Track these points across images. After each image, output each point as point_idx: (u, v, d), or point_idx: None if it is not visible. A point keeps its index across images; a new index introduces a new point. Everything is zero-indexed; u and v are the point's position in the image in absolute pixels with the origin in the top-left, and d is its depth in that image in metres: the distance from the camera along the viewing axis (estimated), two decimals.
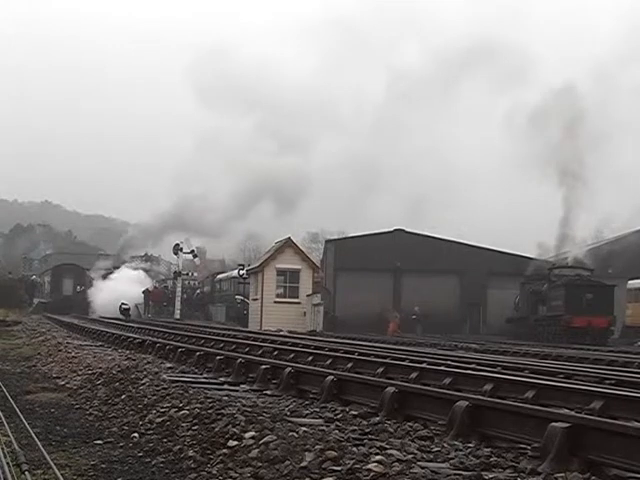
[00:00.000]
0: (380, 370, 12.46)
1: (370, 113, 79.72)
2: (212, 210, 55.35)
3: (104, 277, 58.70)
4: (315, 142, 57.99)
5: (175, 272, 58.53)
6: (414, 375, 11.66)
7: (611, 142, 49.20)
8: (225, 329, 34.54)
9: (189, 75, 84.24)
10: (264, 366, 11.61)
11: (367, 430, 7.27)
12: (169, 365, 13.85)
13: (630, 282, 45.57)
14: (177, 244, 57.07)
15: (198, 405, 8.29)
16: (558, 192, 47.99)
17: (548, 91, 50.27)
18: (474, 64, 59.75)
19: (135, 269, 60.50)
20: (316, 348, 18.48)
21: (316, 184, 54.11)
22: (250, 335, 26.67)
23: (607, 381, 12.01)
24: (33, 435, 7.38)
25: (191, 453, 6.70)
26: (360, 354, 16.35)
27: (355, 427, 7.42)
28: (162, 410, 8.47)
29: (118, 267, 61.07)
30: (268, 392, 10.54)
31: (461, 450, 6.47)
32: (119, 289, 53.97)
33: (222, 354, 14.13)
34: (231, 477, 5.89)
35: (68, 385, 12.13)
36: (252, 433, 6.66)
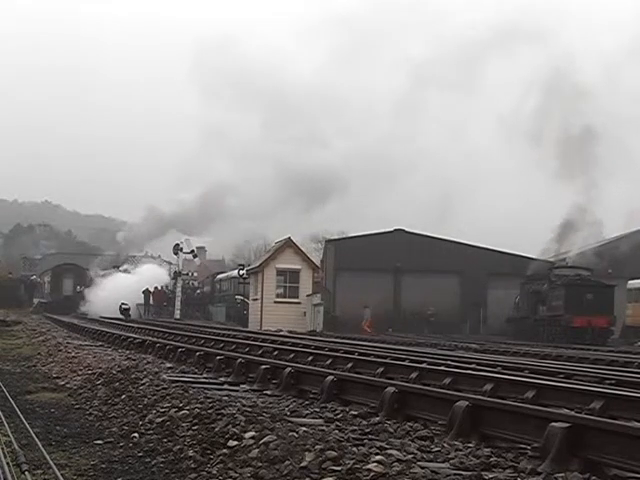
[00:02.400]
0: (380, 370, 12.46)
1: (376, 111, 79.53)
2: (231, 206, 55.19)
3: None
4: (323, 140, 57.53)
5: (175, 272, 58.45)
6: (414, 375, 11.66)
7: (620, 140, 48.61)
8: (225, 329, 34.51)
9: (193, 71, 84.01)
10: (264, 366, 11.61)
11: (367, 430, 7.27)
12: (169, 365, 13.86)
13: (630, 282, 45.57)
14: (177, 244, 56.90)
15: (198, 405, 8.29)
16: (560, 191, 47.95)
17: (554, 84, 50.06)
18: (474, 63, 59.57)
19: (159, 265, 60.84)
20: (316, 348, 18.48)
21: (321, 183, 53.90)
22: (250, 335, 26.66)
23: (607, 381, 12.01)
24: (33, 435, 7.38)
25: (191, 453, 6.70)
26: (360, 354, 16.35)
27: (355, 427, 7.42)
28: (162, 410, 8.47)
29: (118, 266, 61.04)
30: (268, 392, 10.55)
31: (461, 450, 6.47)
32: (119, 289, 53.88)
33: (222, 354, 14.13)
34: (231, 477, 5.89)
35: (68, 385, 12.13)
36: (252, 433, 6.66)
